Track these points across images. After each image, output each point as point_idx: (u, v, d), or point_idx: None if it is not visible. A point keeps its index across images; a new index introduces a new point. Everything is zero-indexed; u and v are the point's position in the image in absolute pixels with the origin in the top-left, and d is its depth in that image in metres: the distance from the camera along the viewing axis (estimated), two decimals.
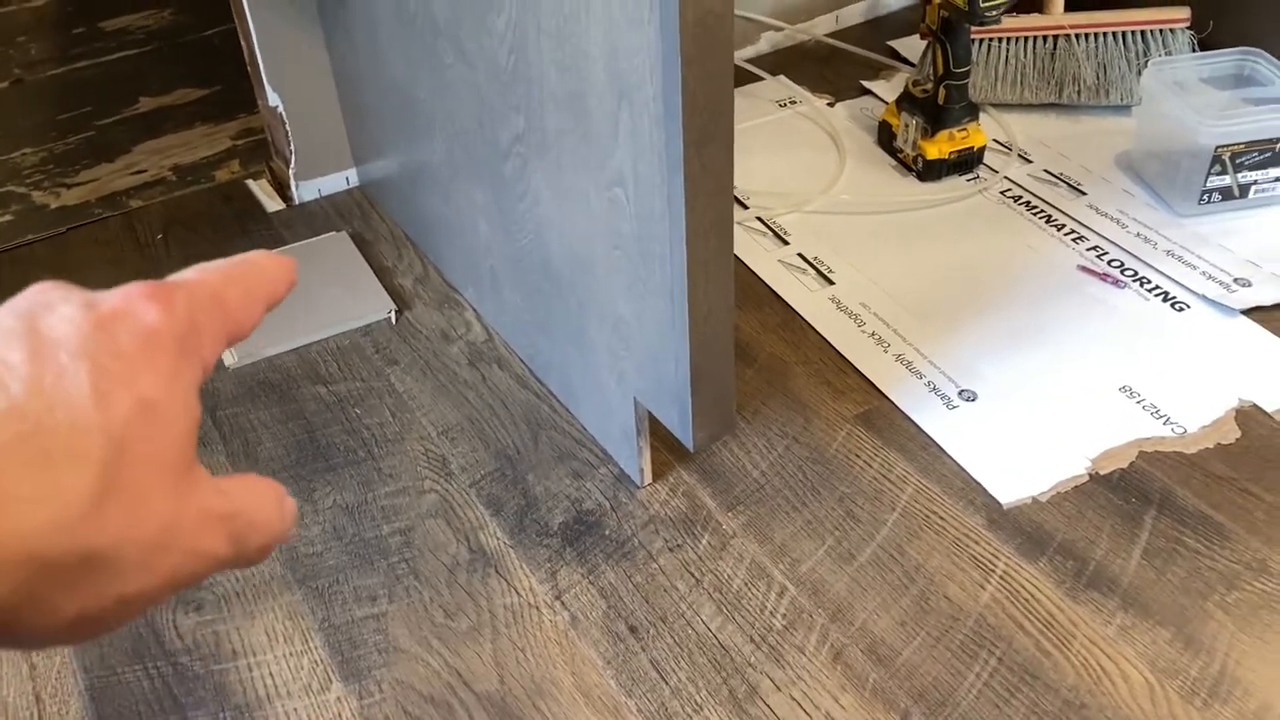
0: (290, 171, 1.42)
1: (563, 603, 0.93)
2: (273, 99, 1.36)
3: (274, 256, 0.32)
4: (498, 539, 0.99)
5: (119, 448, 0.24)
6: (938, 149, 1.36)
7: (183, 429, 0.26)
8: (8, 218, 1.45)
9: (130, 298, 0.27)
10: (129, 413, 0.25)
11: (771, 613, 0.91)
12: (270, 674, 0.90)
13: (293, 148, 1.40)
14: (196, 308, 0.28)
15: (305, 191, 1.44)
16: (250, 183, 1.49)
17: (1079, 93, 1.47)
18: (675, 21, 0.69)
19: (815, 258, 1.28)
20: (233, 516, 0.28)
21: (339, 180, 1.45)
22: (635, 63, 0.75)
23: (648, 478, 1.02)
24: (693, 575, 0.95)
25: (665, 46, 0.71)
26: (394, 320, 1.24)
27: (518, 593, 0.94)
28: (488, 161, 1.05)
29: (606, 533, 0.99)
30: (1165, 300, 1.19)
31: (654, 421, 0.98)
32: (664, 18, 0.70)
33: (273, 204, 1.44)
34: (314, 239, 1.36)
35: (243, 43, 1.36)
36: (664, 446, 1.04)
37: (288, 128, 1.38)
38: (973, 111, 1.37)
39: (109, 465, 0.24)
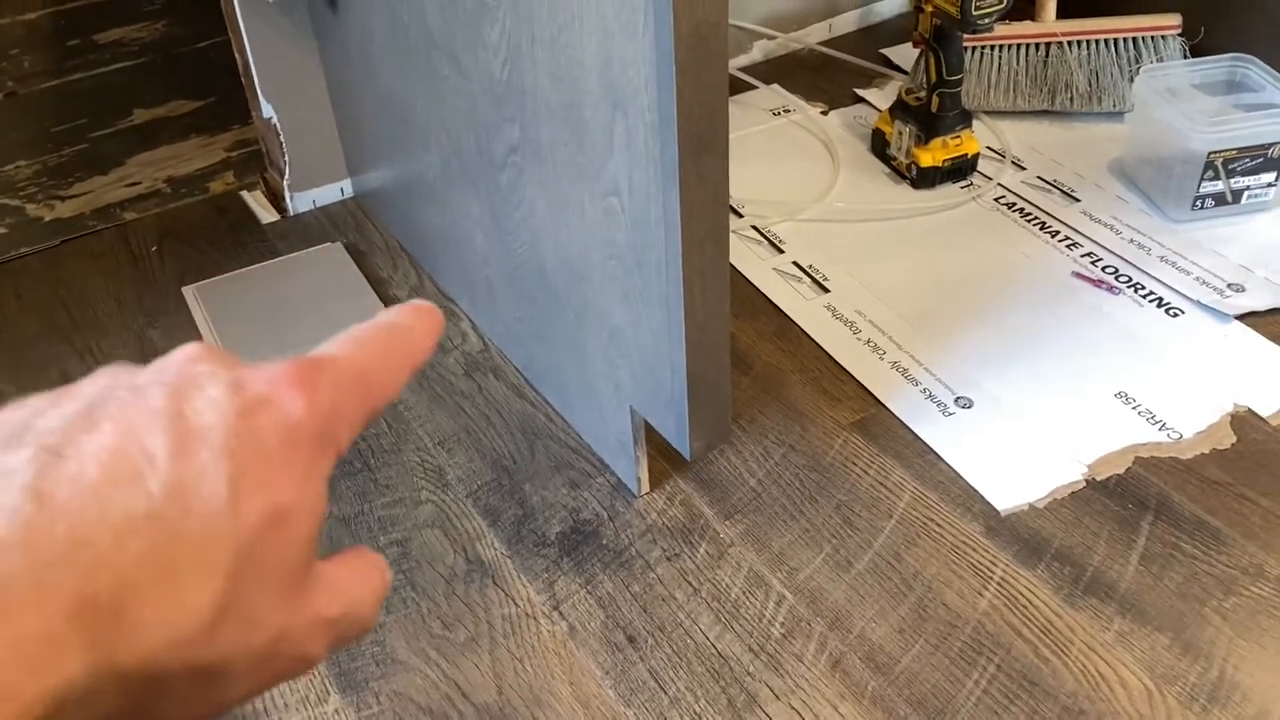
0: (285, 183, 1.42)
1: (560, 613, 0.93)
2: (267, 110, 1.36)
3: (423, 315, 0.30)
4: (495, 549, 0.99)
5: (246, 558, 0.24)
6: (931, 156, 1.36)
7: (309, 533, 0.26)
8: (1, 230, 1.45)
9: (277, 384, 0.26)
10: (260, 521, 0.24)
11: (770, 621, 0.91)
12: None
13: (287, 159, 1.40)
14: (340, 393, 0.27)
15: (300, 203, 1.44)
16: (245, 194, 1.49)
17: (1072, 100, 1.47)
18: (669, 32, 0.69)
19: (810, 266, 1.29)
20: (340, 619, 0.27)
21: (334, 191, 1.45)
22: (630, 73, 0.75)
23: (645, 487, 1.02)
24: (690, 584, 0.95)
25: (660, 57, 0.71)
26: None
27: (515, 603, 0.94)
28: (483, 172, 1.05)
29: (604, 542, 0.99)
30: (1159, 306, 1.19)
31: (651, 430, 0.98)
32: (658, 28, 0.70)
33: (267, 215, 1.44)
34: (308, 250, 1.36)
35: (236, 55, 1.36)
36: (661, 455, 1.04)
37: (282, 139, 1.38)
38: (966, 119, 1.37)
39: (233, 578, 0.24)
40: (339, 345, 0.29)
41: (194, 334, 1.24)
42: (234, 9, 1.29)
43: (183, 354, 0.27)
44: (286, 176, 1.41)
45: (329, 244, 1.37)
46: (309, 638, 0.26)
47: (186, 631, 0.23)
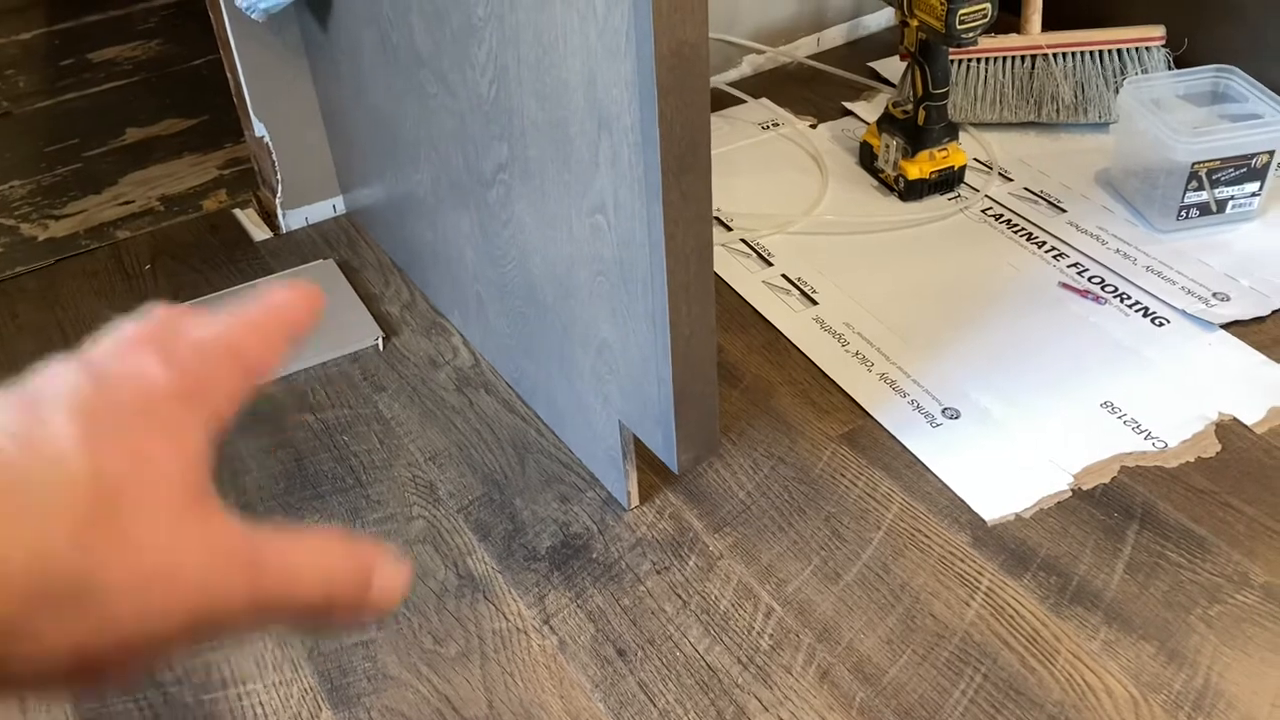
0: (277, 200, 1.43)
1: (551, 627, 0.94)
2: (259, 129, 1.37)
3: (294, 289, 0.32)
4: (486, 564, 0.99)
5: (108, 493, 0.25)
6: (919, 169, 1.37)
7: (182, 473, 0.26)
8: None
9: (126, 354, 0.27)
10: (120, 463, 0.25)
11: (759, 633, 0.92)
12: (260, 703, 0.90)
13: (279, 177, 1.41)
14: (206, 362, 0.28)
15: (292, 220, 1.45)
16: (238, 212, 1.50)
17: (1057, 111, 1.49)
18: (651, 52, 0.70)
19: (799, 278, 1.30)
20: (259, 564, 0.27)
21: (326, 208, 1.46)
22: (613, 93, 0.76)
23: (635, 500, 1.03)
24: (680, 597, 0.95)
25: (641, 77, 0.72)
26: (381, 347, 1.24)
27: (506, 617, 0.95)
28: (472, 189, 1.06)
29: (594, 556, 0.99)
30: (1145, 316, 1.20)
31: (640, 444, 0.98)
32: (639, 49, 0.71)
33: (260, 233, 1.45)
34: (301, 267, 1.37)
35: (228, 73, 1.37)
36: (650, 469, 1.05)
37: (274, 157, 1.39)
38: (952, 131, 1.38)
39: (95, 506, 0.24)
40: (209, 319, 0.30)
41: None
42: (225, 28, 1.30)
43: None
44: (279, 194, 1.42)
45: (321, 261, 1.38)
46: (212, 567, 0.26)
47: (49, 545, 0.24)
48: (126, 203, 1.53)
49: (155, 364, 0.27)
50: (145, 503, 0.25)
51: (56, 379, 0.27)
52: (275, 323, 0.31)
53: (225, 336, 0.30)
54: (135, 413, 0.26)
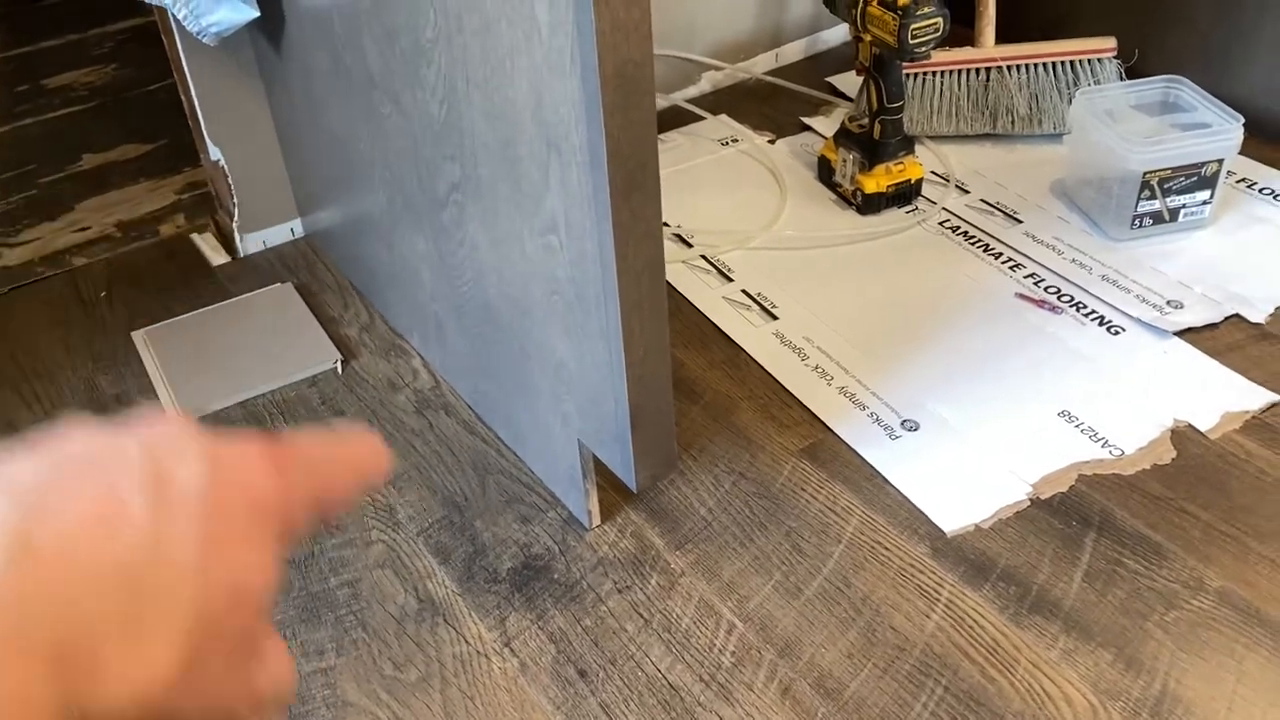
0: (234, 224, 1.42)
1: (512, 649, 0.93)
2: (214, 153, 1.36)
3: (376, 444, 0.32)
4: (446, 587, 0.99)
5: (207, 624, 0.25)
6: (875, 183, 1.38)
7: (263, 606, 0.27)
8: None
9: (250, 459, 0.27)
10: (224, 591, 0.26)
11: (720, 650, 0.92)
12: None
13: (236, 201, 1.40)
14: (305, 481, 0.29)
15: (250, 244, 1.44)
16: (195, 237, 1.49)
17: (1013, 123, 1.50)
18: (595, 71, 0.70)
19: (759, 293, 1.30)
20: (275, 698, 0.28)
21: (283, 231, 1.45)
22: (561, 113, 0.76)
23: (596, 519, 1.03)
24: (641, 616, 0.95)
25: (587, 96, 0.72)
26: (340, 370, 1.23)
27: (466, 641, 0.94)
28: (427, 210, 1.06)
29: (555, 577, 0.99)
30: (1101, 324, 1.21)
31: (600, 463, 0.98)
32: (584, 68, 0.71)
33: (218, 257, 1.44)
34: (259, 291, 1.36)
35: (183, 97, 1.36)
36: (611, 487, 1.05)
37: (230, 181, 1.38)
38: (908, 145, 1.39)
39: (195, 638, 0.25)
40: (310, 439, 0.30)
41: (144, 380, 1.24)
42: (178, 52, 1.29)
43: (157, 418, 0.28)
44: (236, 218, 1.41)
45: (279, 284, 1.37)
46: (250, 710, 0.27)
47: (149, 690, 0.24)
48: (83, 229, 1.52)
49: (269, 474, 0.28)
50: (228, 642, 0.26)
51: (186, 467, 0.26)
52: (357, 467, 0.31)
53: (320, 464, 0.30)
54: (245, 526, 0.27)
